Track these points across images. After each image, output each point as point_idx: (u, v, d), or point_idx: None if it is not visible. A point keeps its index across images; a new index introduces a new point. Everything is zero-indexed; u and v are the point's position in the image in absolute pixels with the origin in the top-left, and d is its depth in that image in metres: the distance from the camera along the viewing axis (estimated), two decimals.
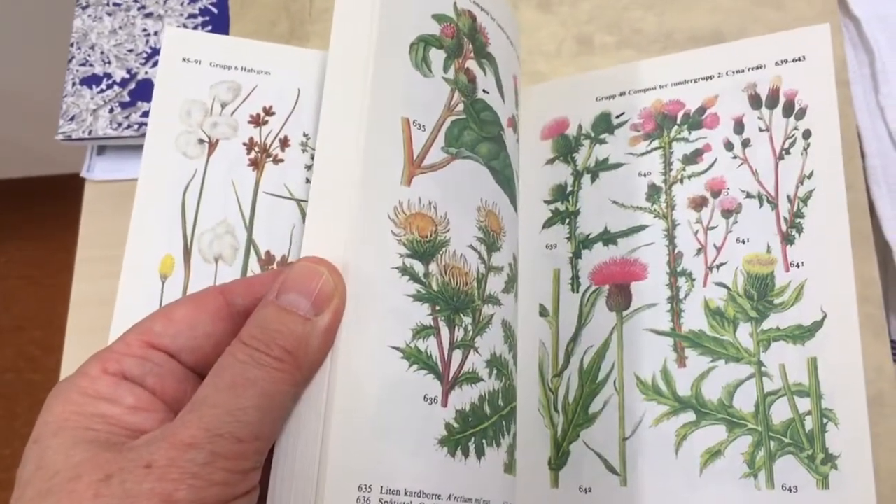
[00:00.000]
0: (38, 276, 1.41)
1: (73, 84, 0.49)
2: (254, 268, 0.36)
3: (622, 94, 0.41)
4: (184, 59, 0.38)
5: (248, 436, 0.24)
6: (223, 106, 0.38)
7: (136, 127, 0.47)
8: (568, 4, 0.48)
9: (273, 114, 0.38)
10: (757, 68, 0.39)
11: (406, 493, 0.27)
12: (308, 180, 0.38)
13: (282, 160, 0.38)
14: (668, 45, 0.46)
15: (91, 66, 0.49)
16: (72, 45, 0.50)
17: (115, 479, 0.22)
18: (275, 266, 0.36)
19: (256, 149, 0.38)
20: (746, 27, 0.45)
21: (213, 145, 0.38)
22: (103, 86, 0.48)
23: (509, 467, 0.33)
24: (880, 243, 0.41)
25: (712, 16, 0.46)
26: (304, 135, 0.38)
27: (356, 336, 0.28)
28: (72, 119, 0.47)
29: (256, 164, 0.38)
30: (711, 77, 0.40)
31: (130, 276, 0.36)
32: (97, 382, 0.25)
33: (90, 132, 0.47)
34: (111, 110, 0.48)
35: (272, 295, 0.26)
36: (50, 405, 0.25)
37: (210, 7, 0.50)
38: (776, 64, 0.39)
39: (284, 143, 0.38)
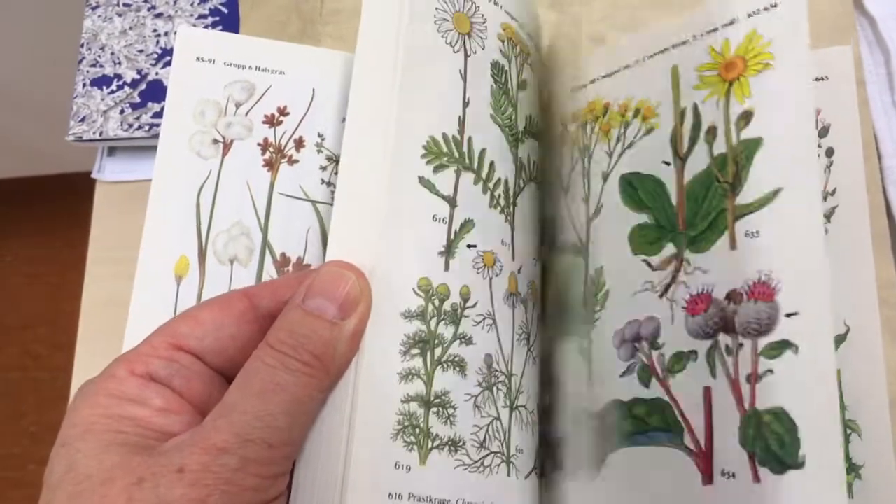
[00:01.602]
0: (44, 274, 1.41)
1: (84, 85, 0.48)
2: (269, 270, 0.36)
3: None
4: (197, 59, 0.38)
5: (279, 441, 0.24)
6: (237, 106, 0.38)
7: (146, 128, 0.47)
8: (579, 3, 0.48)
9: (288, 114, 0.38)
10: None
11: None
12: (323, 181, 0.37)
13: (297, 161, 0.37)
14: None
15: (101, 66, 0.49)
16: (82, 45, 0.49)
17: (148, 483, 0.22)
18: (290, 268, 0.36)
19: (271, 149, 0.38)
20: None
21: (227, 146, 0.37)
22: (114, 87, 0.48)
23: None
24: None
25: None
26: (319, 135, 0.38)
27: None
28: (82, 120, 0.47)
29: (271, 165, 0.37)
30: None
31: (145, 277, 0.36)
32: (124, 384, 0.25)
33: (101, 133, 0.47)
34: (122, 111, 0.47)
35: (298, 299, 0.26)
36: (76, 408, 0.25)
37: (220, 7, 0.50)
38: None
39: (299, 143, 0.38)
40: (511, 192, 0.33)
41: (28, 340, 1.37)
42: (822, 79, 0.38)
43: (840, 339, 0.35)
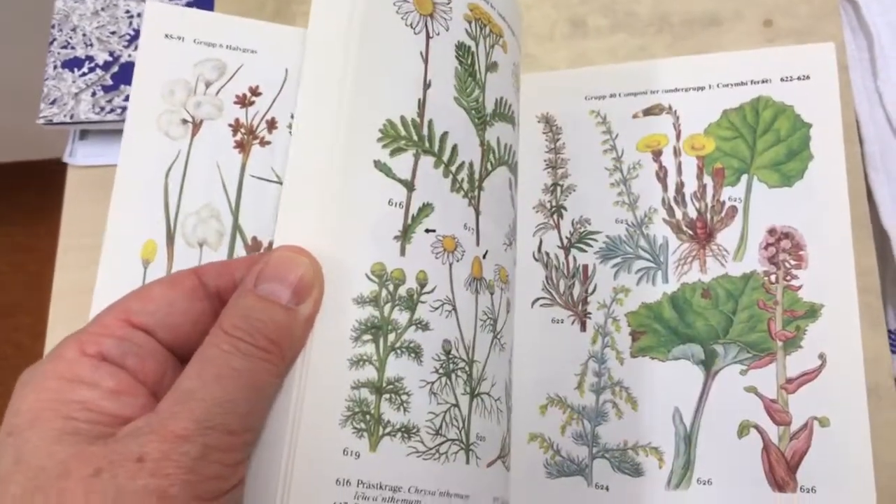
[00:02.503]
0: (25, 263, 1.39)
1: (55, 67, 0.47)
2: (240, 254, 0.35)
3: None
4: (166, 36, 0.37)
5: (240, 427, 0.23)
6: (207, 85, 0.37)
7: (118, 111, 0.46)
8: None
9: (260, 94, 0.37)
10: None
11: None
12: None
13: (269, 142, 0.37)
14: (663, 28, 0.45)
15: (73, 48, 0.47)
16: (53, 26, 0.48)
17: (106, 473, 0.21)
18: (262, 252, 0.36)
19: (242, 130, 0.37)
20: (742, 10, 0.44)
21: (196, 126, 0.36)
22: (85, 69, 0.47)
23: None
24: (878, 231, 0.40)
25: None
26: (292, 116, 0.37)
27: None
28: (53, 103, 0.46)
29: (242, 147, 0.37)
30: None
31: (110, 262, 0.35)
32: (76, 365, 0.24)
33: (72, 116, 0.46)
34: (93, 94, 0.46)
35: (250, 283, 0.26)
36: (22, 393, 0.24)
37: None
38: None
39: (271, 124, 0.37)
40: (476, 176, 0.33)
41: (10, 329, 1.36)
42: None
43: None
